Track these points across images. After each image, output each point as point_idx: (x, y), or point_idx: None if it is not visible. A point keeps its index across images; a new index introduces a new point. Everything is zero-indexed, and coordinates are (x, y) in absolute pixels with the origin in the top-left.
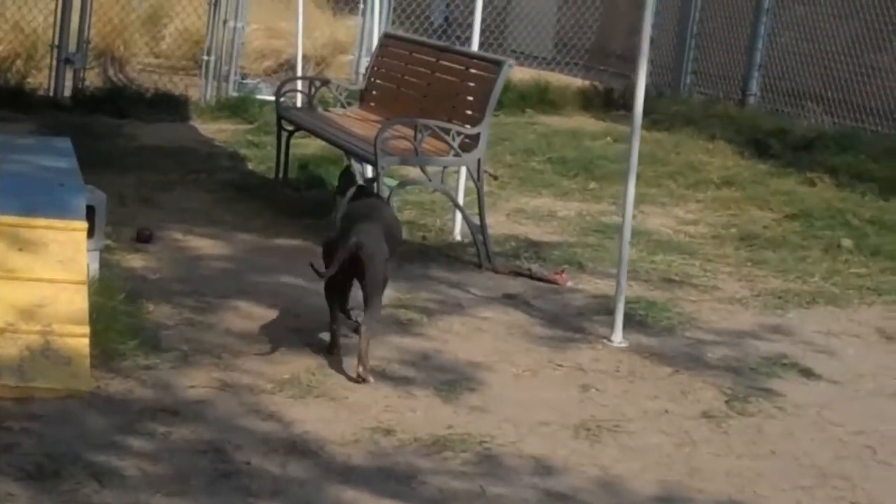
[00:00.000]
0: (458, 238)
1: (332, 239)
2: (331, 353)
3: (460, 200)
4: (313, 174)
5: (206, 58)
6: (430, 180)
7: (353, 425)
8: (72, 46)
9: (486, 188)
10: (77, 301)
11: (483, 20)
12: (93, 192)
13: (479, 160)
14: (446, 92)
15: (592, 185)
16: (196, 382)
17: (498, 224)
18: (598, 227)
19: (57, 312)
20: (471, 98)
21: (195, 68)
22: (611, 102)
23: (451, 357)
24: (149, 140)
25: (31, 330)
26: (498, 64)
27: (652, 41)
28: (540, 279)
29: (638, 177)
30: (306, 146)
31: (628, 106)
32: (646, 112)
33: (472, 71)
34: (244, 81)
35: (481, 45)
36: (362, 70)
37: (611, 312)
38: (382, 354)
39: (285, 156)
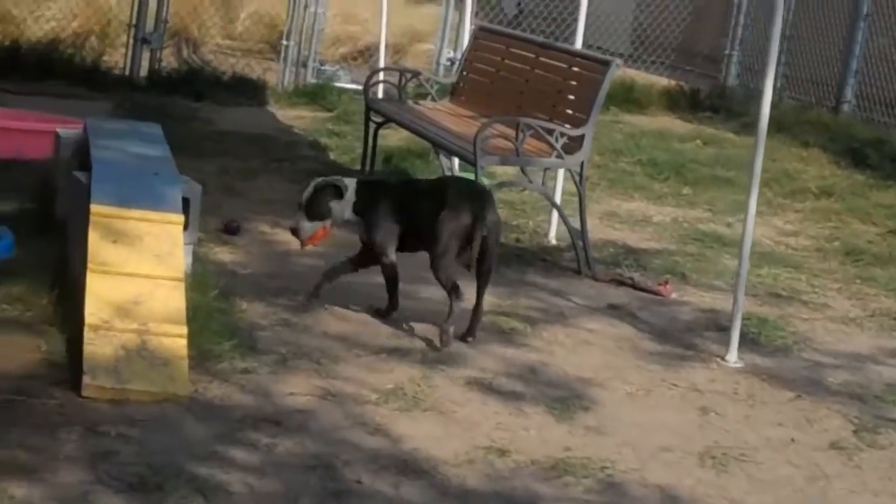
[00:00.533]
0: (554, 241)
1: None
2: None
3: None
4: (398, 167)
5: (285, 42)
6: (530, 181)
7: (466, 443)
8: (149, 26)
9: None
10: (174, 299)
11: (552, 10)
12: (188, 182)
13: (581, 163)
14: (546, 90)
15: (686, 190)
16: (296, 389)
17: (591, 228)
18: (697, 236)
19: (153, 310)
20: (573, 98)
21: (270, 52)
22: (697, 104)
23: (560, 371)
24: (227, 125)
25: (127, 328)
26: (605, 64)
27: (741, 42)
28: (643, 290)
29: (730, 182)
30: (386, 137)
31: (715, 107)
32: (736, 114)
33: (576, 69)
34: (323, 68)
35: (549, 36)
36: (443, 60)
37: (722, 329)
38: (487, 366)
39: (372, 148)
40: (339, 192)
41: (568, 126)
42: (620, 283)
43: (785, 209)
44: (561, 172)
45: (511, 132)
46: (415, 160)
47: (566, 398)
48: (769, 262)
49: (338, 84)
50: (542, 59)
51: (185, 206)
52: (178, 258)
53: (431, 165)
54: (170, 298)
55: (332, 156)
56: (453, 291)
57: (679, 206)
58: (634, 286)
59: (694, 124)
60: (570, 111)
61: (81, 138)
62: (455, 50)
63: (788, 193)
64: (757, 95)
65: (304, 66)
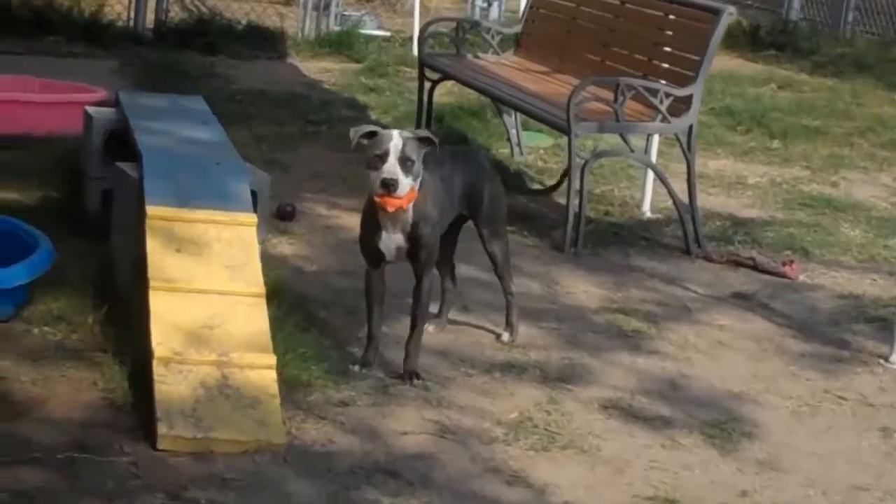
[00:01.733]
0: (649, 214)
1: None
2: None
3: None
4: (453, 129)
5: None
6: (631, 150)
7: (623, 492)
8: None
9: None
10: (256, 320)
11: None
12: (254, 172)
13: (690, 127)
14: (639, 43)
15: (774, 143)
16: (408, 426)
17: (681, 194)
18: (804, 199)
19: (232, 335)
20: (674, 51)
21: None
22: (758, 40)
23: (704, 385)
24: (249, 82)
25: (204, 360)
26: (715, 12)
27: None
28: (766, 271)
29: (821, 133)
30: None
31: (779, 45)
32: (804, 52)
33: (675, 18)
34: (346, 14)
35: None
36: (479, 2)
37: (871, 320)
38: (619, 382)
39: (428, 109)
40: (432, 146)
41: (673, 85)
42: (739, 263)
43: (891, 164)
44: (656, 137)
45: (607, 94)
46: (469, 120)
47: (722, 422)
48: (894, 229)
49: (364, 31)
50: (629, 5)
51: (253, 202)
52: (255, 268)
53: (490, 126)
54: (251, 319)
55: (373, 115)
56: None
57: (772, 164)
58: (756, 267)
59: (760, 64)
60: (670, 67)
61: (114, 117)
62: None
63: (888, 144)
64: (824, 30)
65: (326, 11)
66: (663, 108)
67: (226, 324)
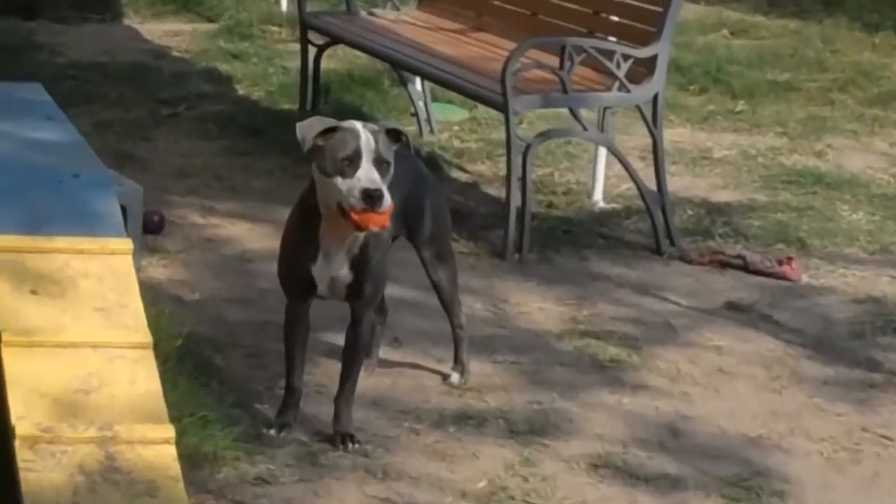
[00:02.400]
0: (602, 203)
1: None
2: None
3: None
4: (343, 103)
5: None
6: (584, 128)
7: None
8: None
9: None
10: (143, 378)
11: None
12: (120, 182)
13: (655, 96)
14: None
15: (739, 105)
16: None
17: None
18: (787, 176)
19: (115, 401)
20: (631, 1)
21: None
22: None
23: (712, 429)
24: (80, 53)
25: (81, 436)
26: None
27: None
28: (760, 272)
29: (793, 89)
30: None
31: None
32: None
33: None
34: None
35: None
36: None
37: None
38: (607, 430)
39: (314, 81)
40: (401, 143)
41: (632, 45)
42: (725, 264)
43: (883, 124)
44: (601, 112)
45: (548, 58)
46: (362, 90)
47: (744, 478)
48: None
49: None
50: None
51: (123, 219)
52: (136, 309)
53: (389, 98)
54: (137, 378)
55: (240, 91)
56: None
57: (739, 131)
58: (746, 268)
59: (702, 5)
60: (622, 21)
61: None
62: None
63: (875, 100)
64: None
65: None
66: (621, 73)
67: (105, 386)
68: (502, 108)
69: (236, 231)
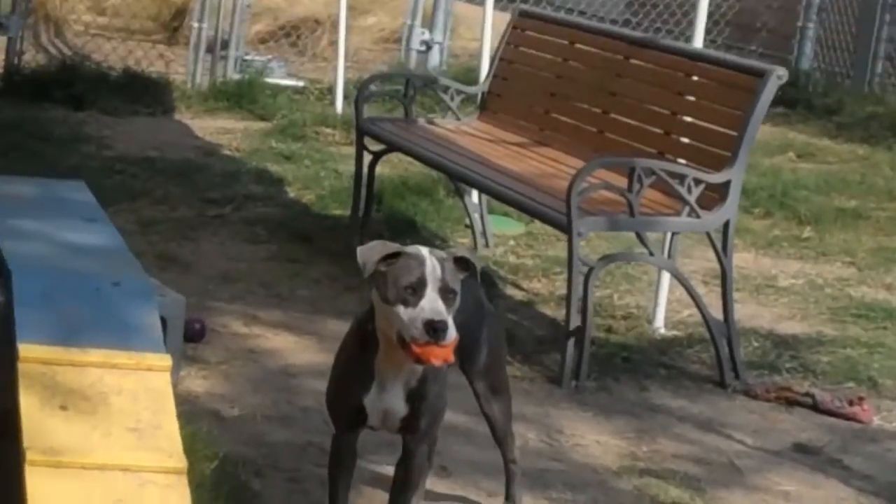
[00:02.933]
0: (663, 330)
1: None
2: None
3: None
4: (395, 211)
5: (196, 25)
6: (650, 253)
7: None
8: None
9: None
10: None
11: None
12: (163, 292)
13: (727, 223)
14: (650, 112)
15: (806, 231)
16: None
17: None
18: (856, 309)
19: None
20: (701, 122)
21: (159, 32)
22: None
23: None
24: (128, 146)
25: None
26: (758, 74)
27: (818, 12)
28: (830, 413)
29: (861, 217)
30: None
31: (790, 101)
32: (819, 110)
33: (700, 80)
34: (248, 58)
35: None
36: (414, 45)
37: None
38: None
39: (368, 188)
40: (469, 273)
41: (704, 169)
42: (793, 402)
43: None
44: (668, 236)
45: (618, 179)
46: (416, 199)
47: None
48: None
49: (271, 80)
50: (636, 60)
51: (163, 332)
52: (172, 430)
53: (443, 208)
54: None
55: (290, 193)
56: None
57: (805, 259)
58: (815, 407)
59: (768, 125)
60: (693, 143)
61: None
62: (431, 30)
63: None
64: (843, 82)
65: (223, 54)
66: (692, 198)
67: None
68: (565, 228)
69: (280, 343)
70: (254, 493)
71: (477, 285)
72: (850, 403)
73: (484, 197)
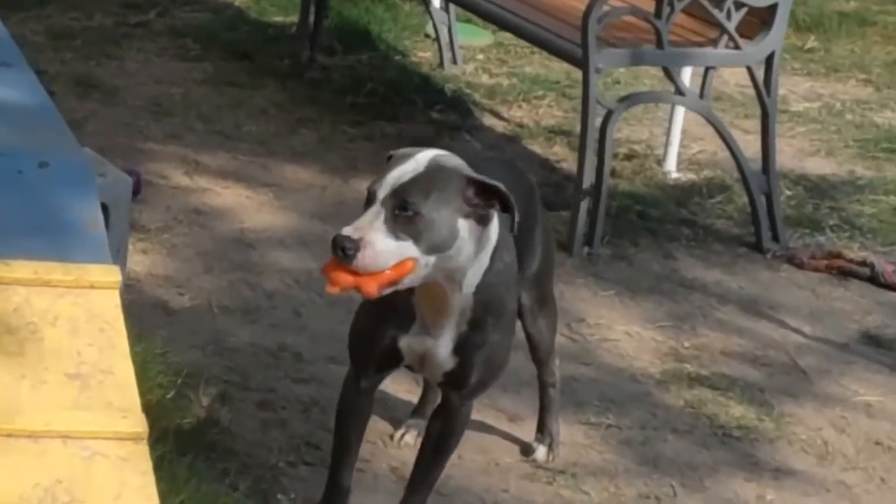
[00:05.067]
0: (675, 174)
1: None
2: None
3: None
4: (345, 18)
5: None
6: (680, 92)
7: None
8: None
9: None
10: (133, 489)
11: None
12: (102, 170)
13: (771, 55)
14: None
15: (810, 41)
16: None
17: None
18: (888, 140)
19: None
20: None
21: None
22: None
23: None
24: None
25: None
26: None
27: None
28: (892, 287)
29: (867, 23)
30: None
31: None
32: None
33: None
34: None
35: None
36: None
37: None
38: None
39: None
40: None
41: None
42: (847, 273)
43: None
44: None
45: (645, 2)
46: (372, 6)
47: None
48: None
49: None
50: None
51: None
52: (126, 377)
53: (401, 15)
54: (125, 489)
55: None
56: None
57: (815, 76)
58: (875, 279)
59: None
60: None
61: None
62: None
63: None
64: None
65: None
66: (731, 25)
67: (78, 502)
68: (580, 63)
69: (230, 198)
70: (222, 428)
71: (527, 172)
72: None
73: (451, 5)
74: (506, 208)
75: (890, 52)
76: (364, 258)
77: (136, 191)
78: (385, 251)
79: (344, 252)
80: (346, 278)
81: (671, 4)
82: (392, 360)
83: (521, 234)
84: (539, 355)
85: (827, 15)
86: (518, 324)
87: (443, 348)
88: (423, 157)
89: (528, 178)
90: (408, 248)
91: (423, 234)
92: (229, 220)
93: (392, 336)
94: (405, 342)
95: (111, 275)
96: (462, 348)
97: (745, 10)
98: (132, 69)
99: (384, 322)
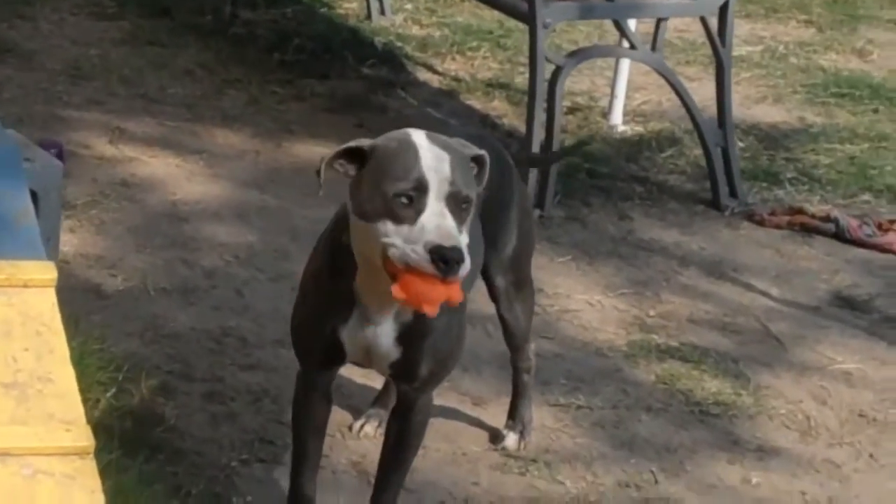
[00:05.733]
0: (621, 126)
1: None
2: None
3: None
4: None
5: None
6: (631, 46)
7: None
8: None
9: None
10: None
11: None
12: (29, 154)
13: (726, 4)
14: None
15: None
16: None
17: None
18: (836, 85)
19: None
20: None
21: None
22: None
23: None
24: None
25: None
26: None
27: None
28: (860, 244)
29: None
30: None
31: None
32: None
33: None
34: None
35: None
36: None
37: None
38: None
39: None
40: (480, 168)
41: None
42: (811, 229)
43: None
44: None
45: None
46: None
47: None
48: None
49: None
50: None
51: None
52: (67, 384)
53: None
54: None
55: None
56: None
57: (755, 17)
58: (838, 235)
59: None
60: None
61: None
62: None
63: None
64: None
65: None
66: None
67: None
68: (527, 18)
69: (159, 167)
70: (170, 427)
71: (504, 152)
72: (881, 228)
73: None
74: (481, 162)
75: None
76: (465, 267)
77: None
78: (468, 255)
79: (456, 265)
80: (439, 292)
81: None
82: (336, 353)
83: (496, 214)
84: (514, 341)
85: None
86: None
87: (385, 337)
88: (427, 139)
89: (506, 156)
90: (464, 240)
91: (467, 222)
92: (160, 191)
93: (332, 327)
94: (346, 333)
95: (46, 271)
96: (406, 337)
97: None
98: (46, 30)
99: (323, 312)
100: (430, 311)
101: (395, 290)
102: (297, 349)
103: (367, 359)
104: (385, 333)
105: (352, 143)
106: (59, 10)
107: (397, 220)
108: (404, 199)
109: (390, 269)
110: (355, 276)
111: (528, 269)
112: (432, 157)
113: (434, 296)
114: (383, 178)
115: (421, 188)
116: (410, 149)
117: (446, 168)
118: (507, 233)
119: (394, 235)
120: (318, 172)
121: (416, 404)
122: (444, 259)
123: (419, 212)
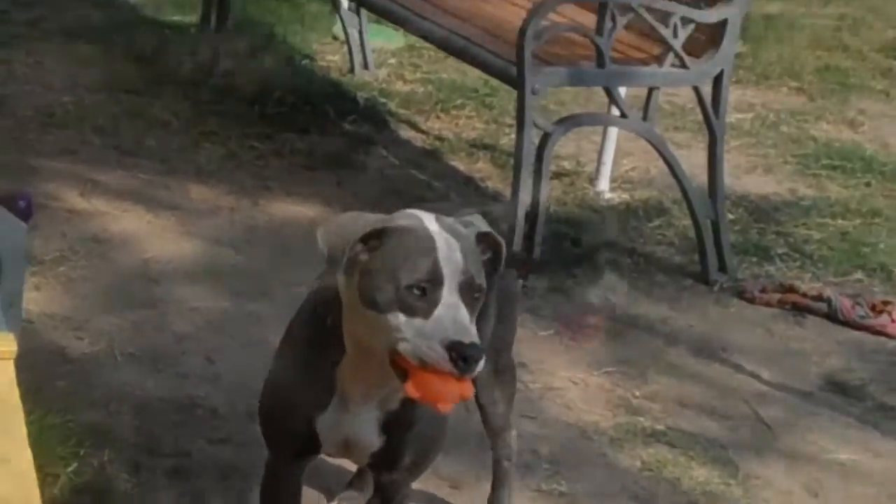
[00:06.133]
0: (608, 194)
1: None
2: None
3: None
4: (248, 17)
5: None
6: (623, 115)
7: None
8: None
9: None
10: None
11: None
12: None
13: (720, 75)
14: None
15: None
16: None
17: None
18: (828, 156)
19: None
20: None
21: None
22: None
23: None
24: None
25: None
26: None
27: None
28: (854, 326)
29: (793, 28)
30: None
31: None
32: None
33: None
34: None
35: None
36: None
37: None
38: None
39: None
40: (495, 256)
41: (695, 5)
42: (802, 308)
43: None
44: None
45: (586, 18)
46: (276, 6)
47: None
48: None
49: None
50: None
51: None
52: (24, 468)
53: (308, 14)
54: None
55: None
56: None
57: (745, 84)
58: (830, 316)
59: None
60: None
61: None
62: None
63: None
64: None
65: None
66: (678, 43)
67: None
68: (515, 83)
69: (131, 223)
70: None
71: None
72: (874, 309)
73: (365, 13)
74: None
75: (819, 56)
76: (482, 364)
77: (27, 214)
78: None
79: (474, 363)
80: (454, 389)
81: (613, 20)
82: (310, 444)
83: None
84: (492, 428)
85: (753, 18)
86: None
87: (367, 426)
88: (437, 223)
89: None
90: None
91: (477, 311)
92: (131, 248)
93: (307, 416)
94: (323, 422)
95: (5, 343)
96: (391, 426)
97: (692, 26)
98: (21, 74)
99: (297, 399)
100: (445, 409)
101: (409, 388)
102: (267, 437)
103: (345, 449)
104: (367, 422)
105: (370, 227)
106: (34, 54)
107: (410, 312)
108: (417, 291)
109: (400, 364)
110: (339, 363)
111: (509, 355)
112: (446, 246)
113: (450, 394)
114: (396, 268)
115: (436, 280)
116: (424, 236)
117: (459, 256)
118: (486, 314)
119: (405, 329)
120: (330, 250)
121: (396, 497)
122: (463, 357)
123: (434, 304)
